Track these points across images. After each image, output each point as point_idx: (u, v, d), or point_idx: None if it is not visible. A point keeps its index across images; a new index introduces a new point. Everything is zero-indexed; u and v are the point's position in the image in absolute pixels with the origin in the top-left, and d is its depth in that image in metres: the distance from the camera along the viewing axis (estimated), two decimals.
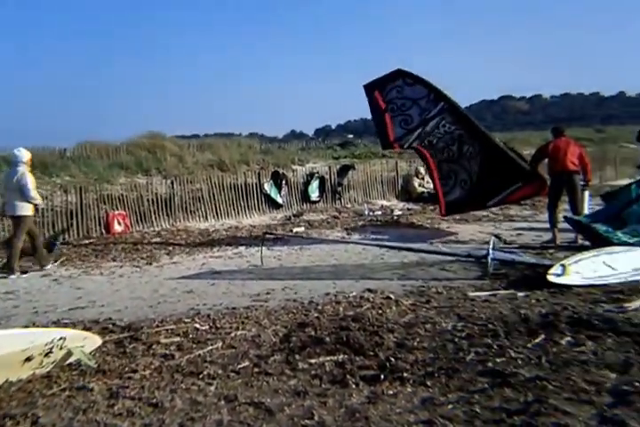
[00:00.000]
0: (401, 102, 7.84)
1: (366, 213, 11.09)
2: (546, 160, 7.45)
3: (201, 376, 2.89)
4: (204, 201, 10.67)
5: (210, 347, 3.41)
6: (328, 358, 3.09)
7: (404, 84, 7.83)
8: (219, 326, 3.93)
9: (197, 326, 3.93)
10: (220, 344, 3.47)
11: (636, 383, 2.42)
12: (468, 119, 7.84)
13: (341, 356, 3.12)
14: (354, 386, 2.67)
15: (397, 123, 7.89)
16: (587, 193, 7.87)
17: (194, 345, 3.48)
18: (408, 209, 11.77)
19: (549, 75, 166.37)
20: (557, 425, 2.07)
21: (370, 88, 8.17)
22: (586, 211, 7.98)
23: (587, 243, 6.52)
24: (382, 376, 2.76)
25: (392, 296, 4.62)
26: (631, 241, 5.96)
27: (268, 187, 11.36)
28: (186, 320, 4.13)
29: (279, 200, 11.46)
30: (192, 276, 6.20)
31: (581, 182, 7.33)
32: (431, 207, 11.16)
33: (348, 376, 2.78)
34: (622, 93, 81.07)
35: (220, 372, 2.96)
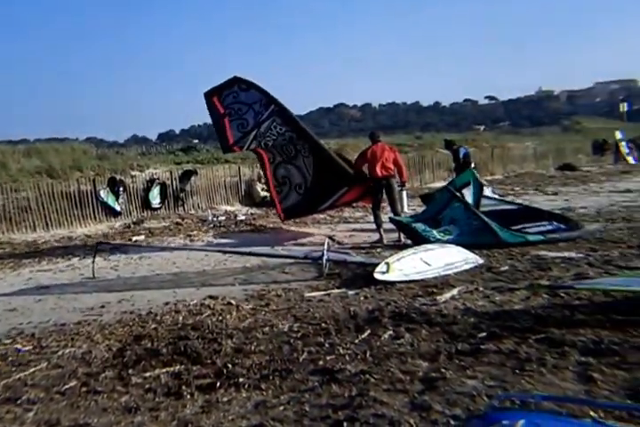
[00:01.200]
0: (238, 107, 7.96)
1: (210, 218, 10.95)
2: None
3: (19, 402, 2.65)
4: (31, 211, 9.76)
5: (32, 369, 3.13)
6: (164, 370, 3.01)
7: (240, 90, 7.94)
8: (44, 345, 3.64)
9: (19, 346, 3.59)
10: (44, 365, 3.21)
11: (443, 370, 2.69)
12: (296, 122, 8.16)
13: (178, 367, 3.05)
14: (189, 396, 2.63)
15: (235, 126, 7.98)
16: (404, 193, 8.55)
17: (13, 368, 3.18)
18: (252, 214, 11.82)
19: (378, 85, 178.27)
20: (375, 416, 2.24)
21: (209, 95, 8.15)
22: (406, 209, 8.63)
23: (409, 242, 7.04)
24: (218, 384, 2.75)
25: (233, 302, 4.62)
26: (444, 239, 6.58)
27: (105, 194, 10.69)
28: (5, 342, 3.75)
29: (117, 208, 10.85)
30: (16, 292, 5.64)
31: (397, 184, 7.89)
32: (274, 211, 11.33)
33: (183, 387, 2.74)
34: (438, 103, 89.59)
35: (42, 395, 2.74)
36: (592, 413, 1.97)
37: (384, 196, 7.73)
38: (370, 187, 7.88)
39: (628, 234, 6.63)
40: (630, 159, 20.47)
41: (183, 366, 3.05)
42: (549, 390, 2.37)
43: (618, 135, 21.57)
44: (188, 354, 3.22)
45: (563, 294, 4.05)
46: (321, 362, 2.97)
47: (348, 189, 8.25)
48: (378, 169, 7.54)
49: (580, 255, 5.63)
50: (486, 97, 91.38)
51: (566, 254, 5.73)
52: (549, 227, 6.96)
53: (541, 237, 6.57)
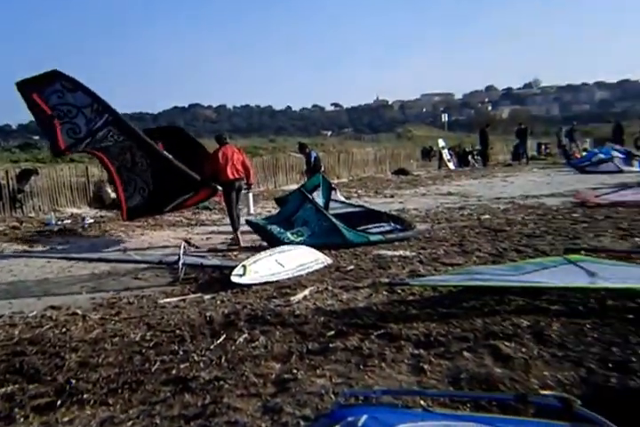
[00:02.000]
0: (66, 109, 7.08)
1: (53, 222, 10.06)
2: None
3: None
4: None
5: None
6: None
7: (65, 90, 7.06)
8: None
9: None
10: None
11: (294, 371, 2.77)
12: (134, 131, 7.68)
13: (11, 387, 2.77)
14: (22, 420, 2.40)
15: (65, 131, 7.12)
16: (250, 195, 8.62)
17: None
18: (101, 217, 11.06)
19: (233, 87, 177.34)
20: (229, 423, 2.23)
21: (26, 90, 7.08)
22: (252, 211, 8.67)
23: (265, 243, 7.10)
24: (59, 402, 2.55)
25: (79, 311, 4.32)
26: (297, 240, 6.75)
27: None
28: None
29: None
30: None
31: (244, 186, 7.94)
32: None
33: (16, 410, 2.49)
34: (289, 108, 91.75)
35: None
36: (422, 402, 2.15)
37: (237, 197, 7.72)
38: (216, 188, 7.79)
39: (450, 233, 7.32)
40: (451, 165, 22.53)
41: (17, 386, 2.77)
42: (388, 384, 2.54)
43: (440, 143, 23.68)
44: (24, 372, 2.94)
45: (399, 291, 4.35)
46: (174, 371, 2.89)
47: (194, 193, 8.09)
48: (229, 171, 7.47)
49: (413, 253, 6.10)
50: (332, 104, 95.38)
51: (402, 253, 6.18)
52: (388, 227, 7.46)
53: (381, 237, 7.02)
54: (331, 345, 3.15)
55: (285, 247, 6.11)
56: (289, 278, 5.10)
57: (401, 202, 11.55)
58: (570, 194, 10.85)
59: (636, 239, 5.99)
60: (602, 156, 16.23)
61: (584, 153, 20.75)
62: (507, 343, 2.94)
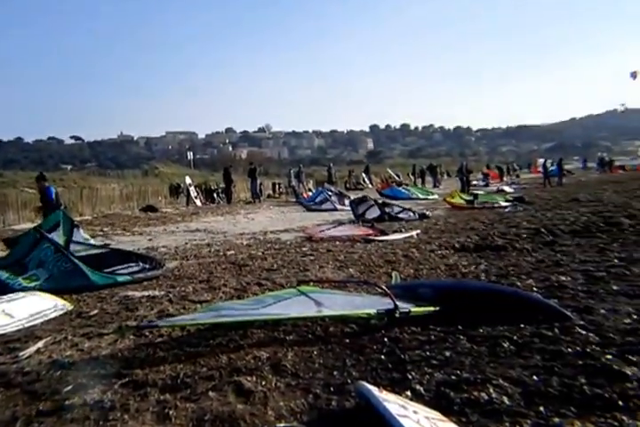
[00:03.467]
0: None
1: None
2: None
3: None
4: None
5: None
6: None
7: None
8: None
9: None
10: None
11: None
12: None
13: None
14: None
15: None
16: None
17: None
18: None
19: None
20: None
21: None
22: None
23: None
24: None
25: None
26: (31, 285, 5.96)
27: None
28: None
29: None
30: None
31: None
32: None
33: None
34: (20, 139, 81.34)
35: None
36: None
37: None
38: None
39: (199, 270, 7.35)
40: (198, 202, 22.81)
41: None
42: None
43: (187, 180, 23.83)
44: None
45: (147, 333, 4.17)
46: None
47: None
48: None
49: (162, 293, 5.92)
50: (71, 136, 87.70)
51: (151, 293, 5.95)
52: (136, 267, 7.12)
53: (129, 278, 6.64)
54: (67, 402, 2.83)
55: (15, 295, 5.33)
56: (19, 330, 4.45)
57: (150, 239, 11.17)
58: (300, 229, 11.93)
59: (350, 270, 6.87)
60: (323, 195, 18.33)
61: (310, 193, 23.16)
62: (249, 378, 3.03)
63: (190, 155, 48.13)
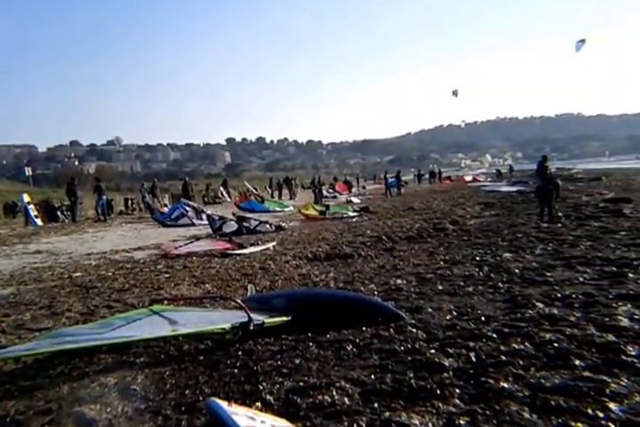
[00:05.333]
0: None
1: None
2: None
3: None
4: None
5: None
6: None
7: None
8: None
9: None
10: None
11: None
12: None
13: None
14: None
15: None
16: None
17: None
18: None
19: None
20: None
21: None
22: None
23: None
24: None
25: None
26: None
27: None
28: None
29: None
30: None
31: None
32: None
33: None
34: None
35: None
36: None
37: None
38: None
39: (39, 295, 6.67)
40: (39, 221, 20.72)
41: None
42: None
43: (25, 198, 21.57)
44: None
45: None
46: None
47: None
48: None
49: None
50: None
51: None
52: None
53: None
54: None
55: None
56: None
57: None
58: (155, 247, 11.42)
59: (207, 286, 6.76)
60: (179, 210, 17.73)
61: (166, 208, 22.25)
62: (92, 407, 2.85)
63: (28, 170, 43.25)
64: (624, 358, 2.99)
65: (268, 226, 13.93)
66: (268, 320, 4.14)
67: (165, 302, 5.40)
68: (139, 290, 6.73)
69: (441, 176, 49.52)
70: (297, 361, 3.43)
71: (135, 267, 8.81)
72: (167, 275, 7.84)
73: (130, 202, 27.65)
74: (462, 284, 5.51)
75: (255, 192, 28.44)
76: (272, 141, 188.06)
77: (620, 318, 3.77)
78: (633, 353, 3.05)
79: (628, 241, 7.29)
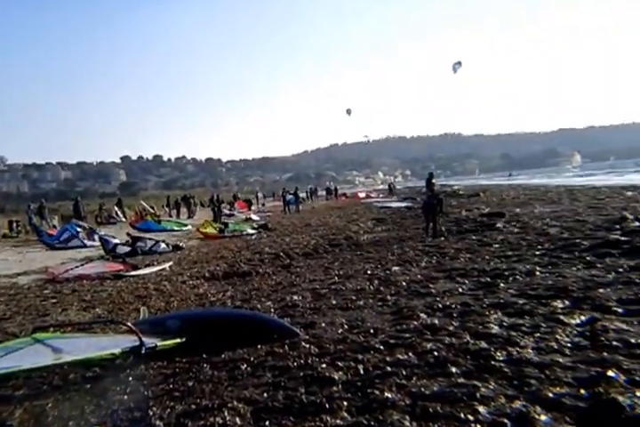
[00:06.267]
0: None
1: None
2: None
3: None
4: None
5: None
6: None
7: None
8: None
9: None
10: None
11: None
12: None
13: None
14: None
15: None
16: None
17: None
18: None
19: None
20: None
21: None
22: None
23: None
24: None
25: None
26: None
27: None
28: None
29: None
30: None
31: None
32: None
33: None
34: None
35: None
36: None
37: None
38: None
39: None
40: None
41: None
42: None
43: None
44: None
45: None
46: None
47: None
48: None
49: None
50: None
51: None
52: None
53: None
54: None
55: None
56: None
57: None
58: (41, 271, 10.53)
59: (97, 310, 6.35)
60: (69, 232, 16.49)
61: (55, 230, 20.55)
62: None
63: None
64: (493, 363, 3.23)
65: (164, 246, 13.42)
66: (162, 343, 3.99)
67: (51, 329, 4.99)
68: (22, 317, 6.18)
69: (337, 193, 50.80)
70: (190, 384, 3.33)
71: (18, 293, 8.06)
72: (54, 300, 7.26)
73: (15, 224, 25.12)
74: (354, 298, 5.67)
75: (152, 211, 27.20)
76: (170, 159, 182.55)
77: (491, 325, 4.05)
78: (501, 358, 3.30)
79: (501, 253, 7.90)
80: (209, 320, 4.61)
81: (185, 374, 3.54)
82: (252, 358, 3.74)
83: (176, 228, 21.47)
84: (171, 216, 30.70)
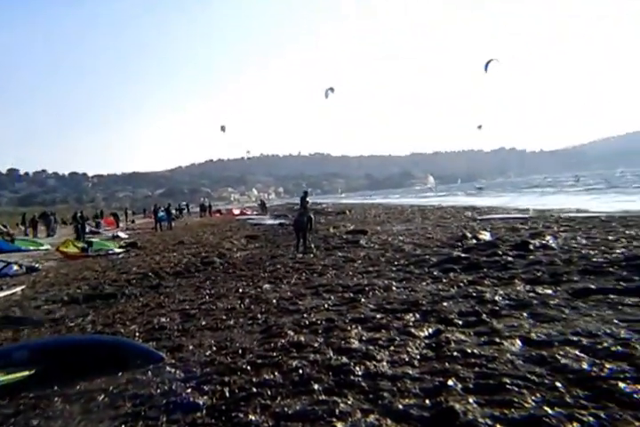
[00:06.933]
0: None
1: None
2: None
3: None
4: None
5: None
6: None
7: None
8: None
9: None
10: None
11: None
12: None
13: None
14: None
15: None
16: None
17: None
18: None
19: None
20: None
21: None
22: None
23: None
24: None
25: None
26: None
27: None
28: None
29: None
30: None
31: None
32: None
33: None
34: None
35: None
36: None
37: None
38: None
39: None
40: None
41: None
42: None
43: None
44: None
45: None
46: None
47: None
48: None
49: None
50: None
51: None
52: None
53: None
54: None
55: None
56: None
57: None
58: None
59: None
60: None
61: None
62: None
63: None
64: (352, 377, 3.32)
65: (16, 267, 11.96)
66: (5, 378, 3.53)
67: None
68: None
69: (211, 209, 49.71)
70: (35, 423, 2.97)
71: None
72: None
73: None
74: (224, 317, 5.54)
75: (4, 230, 24.16)
76: (27, 173, 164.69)
77: (352, 340, 4.17)
78: (359, 373, 3.39)
79: (363, 269, 8.27)
80: (63, 348, 4.19)
81: (30, 412, 3.15)
82: (110, 388, 3.45)
83: (32, 247, 19.28)
84: (26, 235, 27.57)
